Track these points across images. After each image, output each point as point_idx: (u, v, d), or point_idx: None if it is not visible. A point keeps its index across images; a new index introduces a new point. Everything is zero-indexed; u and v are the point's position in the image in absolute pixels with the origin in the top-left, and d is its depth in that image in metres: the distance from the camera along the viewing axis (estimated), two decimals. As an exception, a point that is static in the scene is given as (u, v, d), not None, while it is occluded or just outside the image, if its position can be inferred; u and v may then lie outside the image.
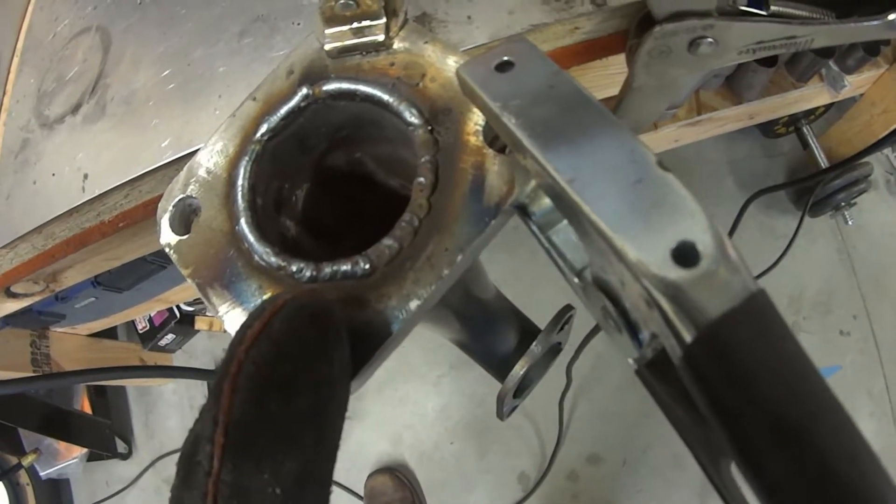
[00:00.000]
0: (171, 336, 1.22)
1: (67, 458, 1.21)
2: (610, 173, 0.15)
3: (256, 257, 0.22)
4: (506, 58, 0.19)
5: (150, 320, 1.21)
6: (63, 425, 1.15)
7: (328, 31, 0.24)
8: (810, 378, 0.15)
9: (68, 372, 0.91)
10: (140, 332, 1.22)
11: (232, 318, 0.22)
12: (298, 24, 0.31)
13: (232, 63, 0.32)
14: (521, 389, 0.41)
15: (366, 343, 0.20)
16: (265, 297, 0.22)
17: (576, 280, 0.20)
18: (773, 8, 0.28)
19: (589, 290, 0.19)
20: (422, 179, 0.20)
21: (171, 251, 0.24)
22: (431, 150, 0.21)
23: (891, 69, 0.78)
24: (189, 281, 0.24)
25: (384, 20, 0.23)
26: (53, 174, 0.38)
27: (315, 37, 0.25)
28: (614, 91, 0.44)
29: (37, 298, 0.65)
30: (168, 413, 1.31)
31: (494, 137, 0.21)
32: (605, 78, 0.41)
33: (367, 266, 0.20)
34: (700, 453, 0.22)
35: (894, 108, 0.81)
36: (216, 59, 0.33)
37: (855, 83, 0.77)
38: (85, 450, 1.21)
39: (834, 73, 0.76)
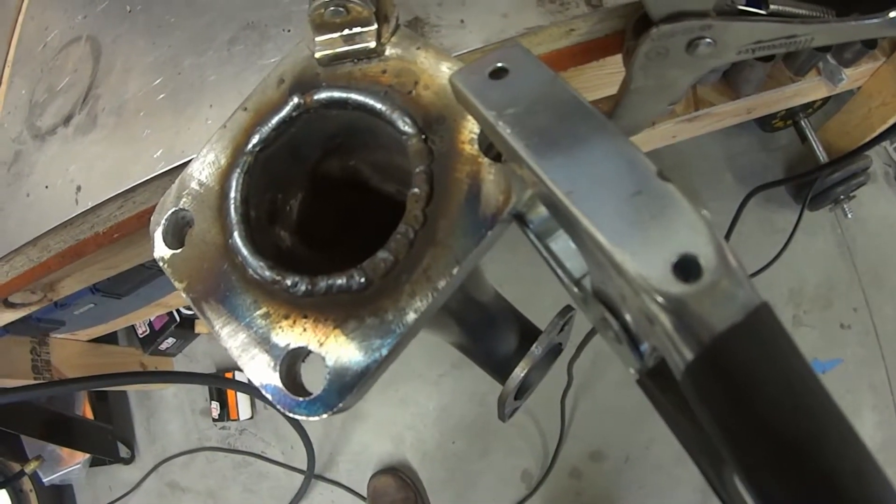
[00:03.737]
0: (171, 340, 1.22)
1: (70, 464, 1.21)
2: (608, 185, 0.15)
3: (250, 271, 0.22)
4: (500, 64, 0.18)
5: (150, 325, 1.21)
6: (65, 431, 1.14)
7: (318, 38, 0.23)
8: (815, 392, 0.15)
9: (71, 379, 0.91)
10: (140, 336, 1.22)
11: (228, 333, 0.22)
12: (288, 30, 0.31)
13: (222, 72, 0.32)
14: (523, 391, 0.41)
15: (362, 356, 0.20)
16: (260, 311, 0.22)
17: (575, 289, 0.20)
18: (772, 7, 0.27)
19: (589, 301, 0.19)
20: (416, 190, 0.20)
21: (165, 265, 0.24)
22: (426, 159, 0.20)
23: (888, 62, 0.77)
24: (184, 296, 0.23)
25: (375, 26, 0.23)
26: (46, 186, 0.38)
27: (305, 44, 0.24)
28: (611, 90, 0.44)
29: (34, 308, 0.64)
30: (169, 417, 1.31)
31: (489, 145, 0.21)
32: (601, 77, 0.40)
33: (363, 279, 0.20)
34: (702, 461, 0.22)
35: (892, 100, 0.81)
36: (206, 67, 0.33)
37: (852, 76, 0.77)
38: (87, 455, 1.20)
39: (831, 67, 0.76)
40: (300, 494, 1.14)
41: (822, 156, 0.97)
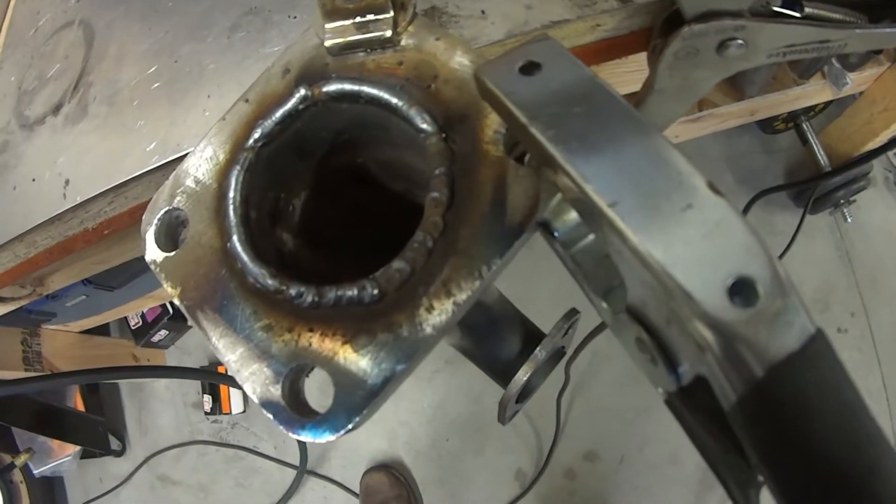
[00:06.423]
0: (163, 332, 1.20)
1: (61, 456, 1.19)
2: (656, 197, 0.13)
3: (251, 279, 0.20)
4: (531, 59, 0.17)
5: (143, 316, 1.19)
6: (56, 423, 1.12)
7: (329, 25, 0.21)
8: (867, 425, 0.14)
9: (63, 373, 0.89)
10: (133, 328, 1.19)
11: (225, 346, 0.20)
12: (294, 17, 0.29)
13: (222, 60, 0.30)
14: (524, 395, 0.40)
15: (373, 375, 0.18)
16: (260, 323, 0.20)
17: (603, 304, 0.19)
18: (807, 10, 0.26)
19: (621, 319, 0.17)
20: (436, 194, 0.18)
21: (157, 269, 0.22)
22: (446, 160, 0.19)
23: (892, 67, 0.76)
24: (177, 303, 0.22)
25: (391, 14, 0.21)
26: (34, 179, 0.36)
27: (314, 32, 0.22)
28: (630, 88, 0.42)
29: (24, 302, 0.63)
30: (161, 410, 1.29)
31: (514, 146, 0.19)
32: (618, 76, 0.39)
33: (376, 291, 0.18)
34: (729, 481, 0.21)
35: (895, 106, 0.80)
36: (205, 55, 0.30)
37: (857, 80, 0.76)
38: (78, 447, 1.19)
39: (836, 71, 0.75)
40: (292, 490, 1.13)
41: (823, 159, 0.97)
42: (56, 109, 0.36)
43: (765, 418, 0.13)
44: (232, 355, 0.21)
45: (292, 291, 0.20)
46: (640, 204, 0.13)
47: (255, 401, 0.20)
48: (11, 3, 0.48)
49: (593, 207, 0.14)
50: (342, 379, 0.19)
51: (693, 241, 0.13)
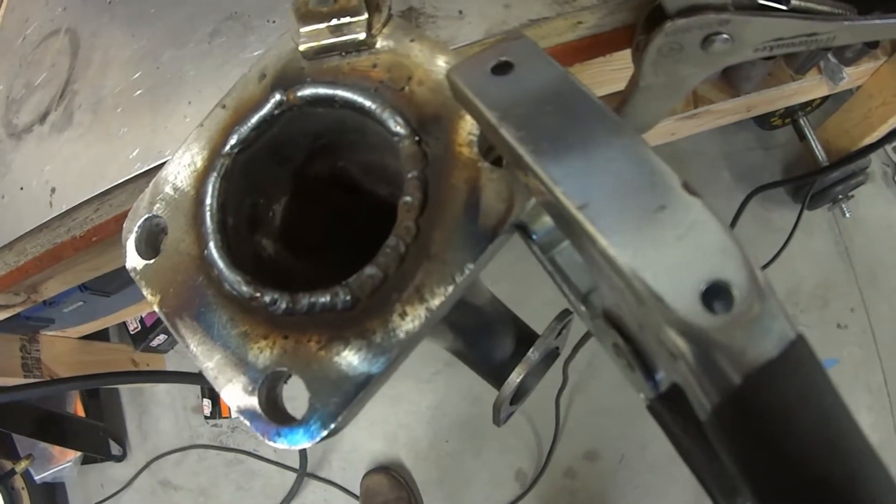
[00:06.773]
0: (162, 336, 1.20)
1: (62, 462, 1.19)
2: (627, 198, 0.13)
3: (227, 286, 0.20)
4: (504, 58, 0.16)
5: (142, 321, 1.19)
6: (56, 429, 1.12)
7: (303, 29, 0.21)
8: (849, 433, 0.14)
9: (63, 379, 0.89)
10: (131, 333, 1.19)
11: (203, 353, 0.20)
12: (273, 21, 0.29)
13: (202, 66, 0.30)
14: (518, 396, 0.40)
15: (348, 382, 0.18)
16: (237, 330, 0.20)
17: (582, 308, 0.18)
18: (793, 2, 0.25)
19: (598, 323, 0.17)
20: (408, 199, 0.18)
21: (138, 276, 0.22)
22: (419, 164, 0.19)
23: (889, 61, 0.76)
24: (156, 310, 0.21)
25: (365, 16, 0.21)
26: (21, 188, 0.36)
27: (290, 36, 0.22)
28: (617, 87, 0.42)
29: (19, 309, 0.63)
30: (161, 414, 1.29)
31: (489, 149, 0.19)
32: (605, 74, 0.38)
33: (349, 298, 0.18)
34: (714, 490, 0.20)
35: (892, 100, 0.80)
36: (186, 61, 0.30)
37: (853, 75, 0.76)
38: (79, 453, 1.19)
39: (832, 66, 0.75)
40: (292, 493, 1.13)
41: (821, 155, 0.96)
42: (43, 118, 0.36)
43: (743, 428, 0.13)
44: (209, 362, 0.21)
45: (266, 298, 0.19)
46: (610, 206, 0.13)
47: (232, 408, 0.20)
48: (0, 12, 0.48)
49: (563, 210, 0.13)
50: (317, 385, 0.18)
51: (665, 244, 0.13)
